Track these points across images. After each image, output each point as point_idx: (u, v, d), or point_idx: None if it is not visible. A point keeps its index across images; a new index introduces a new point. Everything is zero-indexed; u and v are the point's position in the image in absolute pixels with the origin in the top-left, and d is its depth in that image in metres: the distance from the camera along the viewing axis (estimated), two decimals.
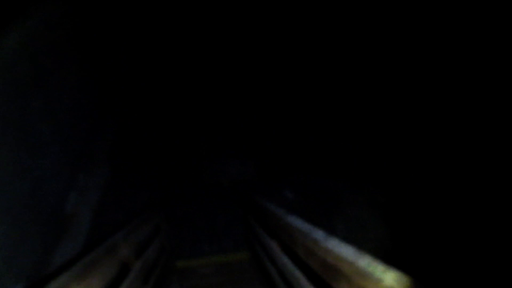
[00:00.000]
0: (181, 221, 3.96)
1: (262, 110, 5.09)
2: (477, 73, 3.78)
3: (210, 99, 5.38)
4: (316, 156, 4.48)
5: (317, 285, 1.24)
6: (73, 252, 3.55)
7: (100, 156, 4.81)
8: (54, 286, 0.90)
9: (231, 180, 4.52)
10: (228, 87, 5.43)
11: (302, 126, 4.82)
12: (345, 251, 0.86)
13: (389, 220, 3.94)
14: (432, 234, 3.59)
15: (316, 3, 4.94)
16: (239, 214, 3.92)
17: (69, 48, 4.21)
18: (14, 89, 2.96)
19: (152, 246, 2.40)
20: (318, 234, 1.04)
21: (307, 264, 1.11)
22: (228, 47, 5.54)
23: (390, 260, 3.62)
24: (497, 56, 3.65)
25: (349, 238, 3.94)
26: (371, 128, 4.55)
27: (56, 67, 3.85)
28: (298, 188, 4.33)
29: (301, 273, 1.27)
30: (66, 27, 4.09)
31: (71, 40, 4.24)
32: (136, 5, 5.62)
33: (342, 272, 0.84)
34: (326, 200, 4.12)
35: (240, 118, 5.04)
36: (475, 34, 3.78)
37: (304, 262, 1.17)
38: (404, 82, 4.38)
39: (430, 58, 4.13)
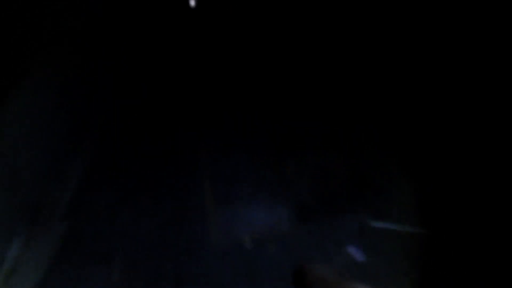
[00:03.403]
0: None
1: (289, 117, 3.55)
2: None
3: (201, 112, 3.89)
4: (390, 183, 2.85)
5: None
6: None
7: (52, 213, 3.19)
8: None
9: (257, 237, 2.84)
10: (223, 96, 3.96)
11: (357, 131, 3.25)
12: None
13: None
14: None
15: None
16: None
17: None
18: None
19: None
20: None
21: None
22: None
23: None
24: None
25: None
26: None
27: None
28: (368, 240, 2.63)
29: None
30: None
31: None
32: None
33: None
34: (427, 258, 2.40)
35: (256, 138, 3.47)
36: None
37: None
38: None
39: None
